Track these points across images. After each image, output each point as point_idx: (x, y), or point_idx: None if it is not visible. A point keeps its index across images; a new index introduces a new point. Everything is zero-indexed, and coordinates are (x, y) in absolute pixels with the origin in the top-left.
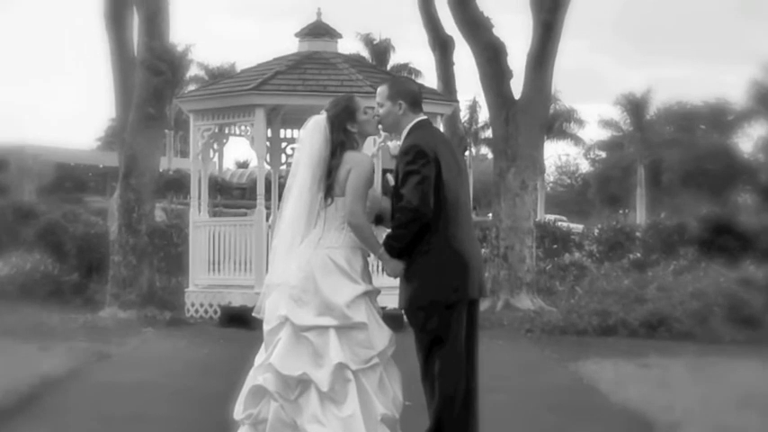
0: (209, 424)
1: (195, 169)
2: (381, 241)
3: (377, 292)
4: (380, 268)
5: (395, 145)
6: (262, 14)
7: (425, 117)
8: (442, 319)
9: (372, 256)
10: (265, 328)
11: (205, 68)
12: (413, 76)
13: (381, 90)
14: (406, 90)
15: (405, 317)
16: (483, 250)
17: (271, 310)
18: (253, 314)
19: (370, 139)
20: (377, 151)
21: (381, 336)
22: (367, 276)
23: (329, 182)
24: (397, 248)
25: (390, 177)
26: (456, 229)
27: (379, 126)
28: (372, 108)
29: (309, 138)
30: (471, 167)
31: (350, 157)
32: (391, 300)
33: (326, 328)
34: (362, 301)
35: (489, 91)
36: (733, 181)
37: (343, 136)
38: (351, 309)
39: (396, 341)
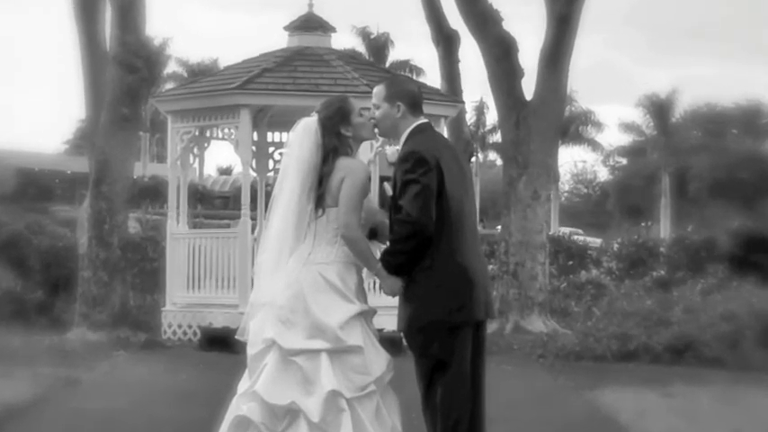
0: None
1: (173, 176)
2: (378, 257)
3: (373, 312)
4: (377, 286)
5: (393, 151)
6: (247, 6)
7: (426, 120)
8: (445, 343)
9: (368, 273)
10: (250, 352)
11: (185, 65)
12: (413, 75)
13: (378, 90)
14: (405, 90)
15: (404, 340)
16: (490, 267)
17: (256, 333)
18: (236, 336)
19: (366, 145)
20: (373, 157)
21: (378, 360)
22: (362, 295)
23: (320, 191)
24: (395, 265)
25: (388, 186)
26: (460, 243)
27: (376, 130)
28: (369, 109)
29: (299, 142)
30: (478, 175)
31: (343, 164)
32: (389, 321)
33: (318, 351)
34: (357, 322)
35: (498, 91)
36: None
37: (335, 140)
38: (344, 330)
39: (394, 366)
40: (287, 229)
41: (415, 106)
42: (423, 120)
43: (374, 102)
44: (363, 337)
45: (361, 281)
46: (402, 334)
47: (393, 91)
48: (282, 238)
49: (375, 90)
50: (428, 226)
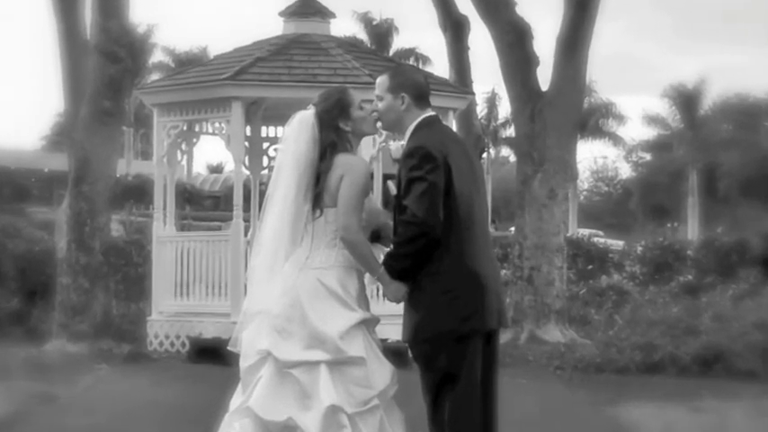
0: None
1: (159, 174)
2: (380, 260)
3: (376, 320)
4: (380, 293)
5: (397, 146)
6: None
7: (434, 113)
8: (453, 355)
9: (370, 278)
10: (243, 364)
11: (171, 54)
12: (419, 64)
13: (381, 80)
14: (410, 80)
15: (409, 351)
16: (503, 271)
17: (249, 343)
18: (228, 347)
19: (368, 140)
20: (376, 153)
21: (382, 373)
22: (364, 302)
23: (317, 190)
24: (399, 269)
25: (392, 185)
26: (469, 246)
27: (379, 124)
28: (371, 101)
29: (295, 137)
30: (489, 173)
31: (342, 161)
32: (393, 330)
33: (316, 363)
34: (359, 331)
35: (511, 81)
36: None
37: (333, 135)
38: (345, 341)
39: (399, 379)
40: (282, 231)
41: (421, 98)
42: (430, 113)
43: (377, 93)
44: (366, 347)
45: (362, 287)
46: (407, 344)
47: (397, 81)
48: (278, 241)
49: (378, 80)
50: (435, 227)
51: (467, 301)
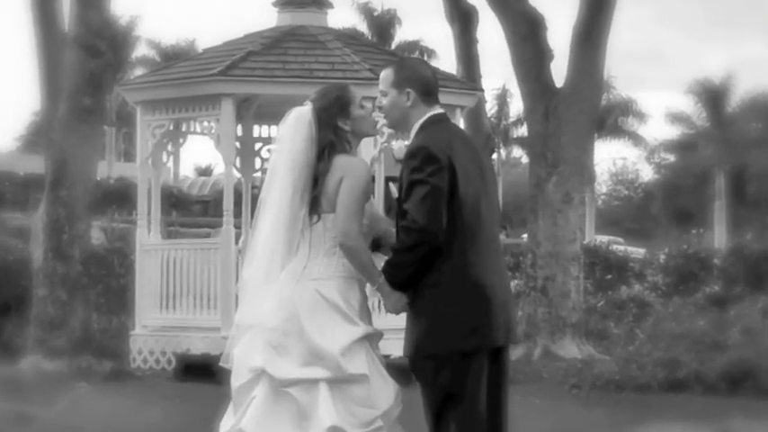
0: None
1: (143, 177)
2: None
3: (379, 335)
4: (382, 305)
5: (400, 146)
6: None
7: (442, 111)
8: (456, 373)
9: (370, 289)
10: (234, 383)
11: (156, 47)
12: (424, 58)
13: (385, 75)
14: (417, 75)
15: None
16: (515, 282)
17: (241, 360)
18: (220, 364)
19: (369, 140)
20: (378, 155)
21: (386, 391)
22: (366, 315)
23: (315, 193)
24: (399, 279)
25: (394, 188)
26: (474, 254)
27: (382, 122)
28: (374, 98)
29: (291, 135)
30: (500, 175)
31: (341, 163)
32: (397, 345)
33: (315, 381)
34: (362, 347)
35: (524, 76)
36: None
37: (332, 135)
38: (347, 357)
39: (403, 399)
40: (277, 238)
41: (428, 94)
42: (438, 110)
43: (381, 88)
44: (369, 364)
45: (365, 299)
46: (408, 360)
47: (402, 75)
48: (272, 249)
49: (382, 75)
50: (437, 234)
51: (471, 314)
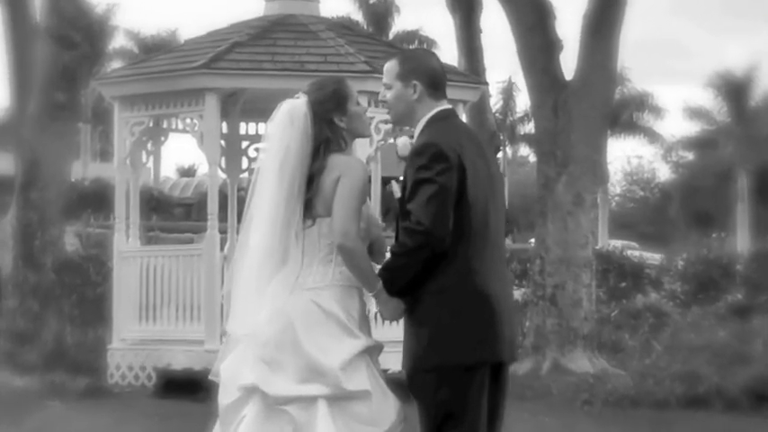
0: None
1: (121, 178)
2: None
3: (379, 348)
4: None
5: (405, 143)
6: None
7: (449, 106)
8: (458, 389)
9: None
10: (222, 400)
11: (135, 38)
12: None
13: (390, 66)
14: (424, 66)
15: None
16: (522, 290)
17: (230, 376)
18: (209, 377)
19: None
20: (374, 153)
21: (388, 408)
22: (366, 326)
23: (309, 195)
24: (397, 284)
25: (397, 187)
26: (480, 261)
27: (387, 117)
28: (370, 94)
29: (281, 131)
30: (506, 175)
31: (338, 162)
32: (396, 359)
33: (314, 399)
34: (362, 361)
35: (531, 69)
36: None
37: (328, 131)
38: (348, 372)
39: (405, 416)
40: (271, 243)
41: (435, 87)
42: (446, 105)
43: (385, 80)
44: (370, 379)
45: (364, 309)
46: (405, 374)
47: (408, 67)
48: (265, 256)
49: (387, 66)
50: (442, 239)
51: (475, 325)
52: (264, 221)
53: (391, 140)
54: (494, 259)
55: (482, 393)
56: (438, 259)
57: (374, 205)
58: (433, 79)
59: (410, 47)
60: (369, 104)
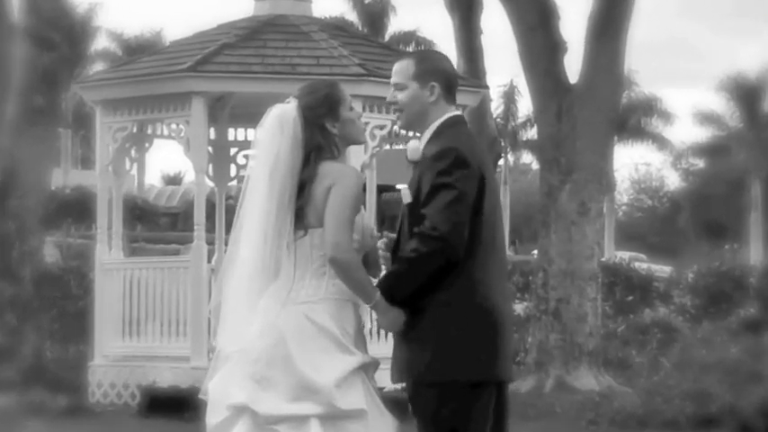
0: None
1: (104, 186)
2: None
3: (375, 365)
4: (377, 331)
5: (416, 146)
6: None
7: (460, 112)
8: (464, 405)
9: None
10: (210, 420)
11: (118, 39)
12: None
13: (404, 66)
14: (441, 68)
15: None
16: (524, 304)
17: (218, 395)
18: (199, 396)
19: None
20: (369, 161)
21: (384, 428)
22: (362, 342)
23: (300, 203)
24: (403, 293)
25: (408, 192)
26: (488, 276)
27: (397, 121)
28: (364, 98)
29: (270, 138)
30: (507, 183)
31: (329, 169)
32: (389, 375)
33: (306, 418)
34: (358, 378)
35: (533, 72)
36: None
37: (319, 137)
38: (342, 390)
39: None
40: (260, 255)
41: (450, 90)
42: (456, 111)
43: (397, 80)
44: (366, 397)
45: (360, 323)
46: (404, 388)
47: (425, 67)
48: (254, 268)
49: (399, 66)
50: (457, 247)
51: (482, 341)
52: (254, 232)
53: (387, 147)
54: (498, 273)
55: (487, 412)
56: (449, 269)
57: (369, 215)
58: (450, 82)
59: (407, 48)
60: (363, 109)
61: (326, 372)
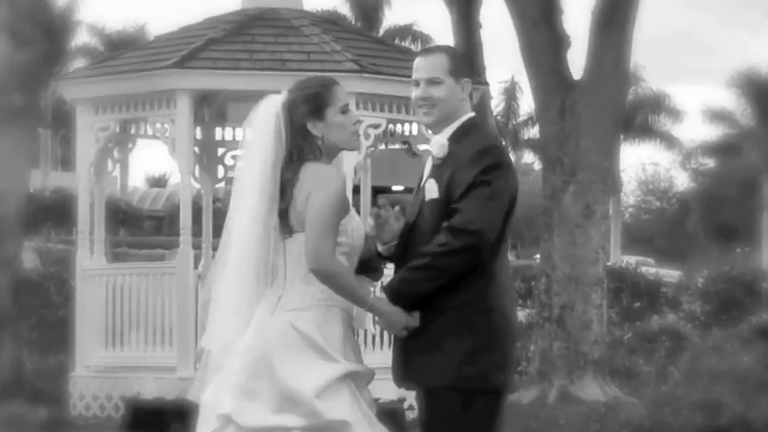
0: None
1: (85, 189)
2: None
3: (369, 375)
4: (373, 340)
5: (441, 143)
6: None
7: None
8: (487, 413)
9: (358, 315)
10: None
11: (100, 34)
12: (417, 46)
13: (438, 60)
14: (470, 65)
15: (415, 403)
16: (527, 311)
17: (210, 406)
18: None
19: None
20: (364, 161)
21: None
22: (353, 350)
23: (283, 205)
24: (422, 291)
25: (435, 186)
26: (507, 277)
27: (366, 125)
28: (358, 95)
29: (259, 132)
30: None
31: (309, 173)
32: (389, 386)
33: (288, 430)
34: (344, 388)
35: (535, 68)
36: None
37: (300, 139)
38: (324, 400)
39: None
40: (249, 260)
41: (473, 90)
42: (472, 112)
43: (432, 75)
44: (352, 408)
45: (349, 331)
46: (401, 399)
47: (459, 63)
48: (242, 273)
49: (431, 60)
50: (488, 246)
51: (505, 348)
52: (242, 235)
53: (382, 146)
54: (507, 279)
55: (502, 421)
56: (471, 271)
57: (364, 220)
58: (474, 80)
59: (403, 43)
60: (357, 107)
61: (308, 382)
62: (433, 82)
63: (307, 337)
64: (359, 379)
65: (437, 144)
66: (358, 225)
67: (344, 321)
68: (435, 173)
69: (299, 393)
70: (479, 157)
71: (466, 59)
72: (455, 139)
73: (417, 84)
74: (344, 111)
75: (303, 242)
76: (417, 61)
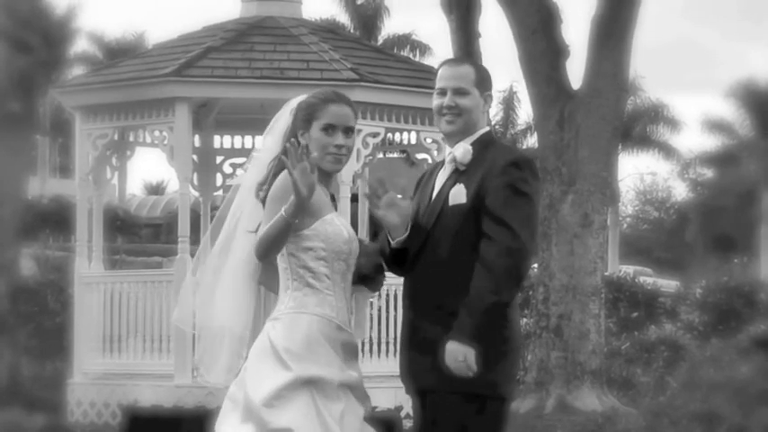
0: None
1: (83, 196)
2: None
3: (334, 385)
4: (370, 349)
5: (467, 149)
6: None
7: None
8: (498, 419)
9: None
10: None
11: (99, 42)
12: (416, 54)
13: (466, 71)
14: (491, 81)
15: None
16: (524, 321)
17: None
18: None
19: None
20: (361, 170)
21: None
22: (325, 357)
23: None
24: (486, 321)
25: (463, 190)
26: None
27: (364, 134)
28: (358, 104)
29: (275, 128)
30: None
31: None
32: (383, 394)
33: None
34: (300, 395)
35: (534, 77)
36: None
37: (288, 144)
38: (273, 409)
39: None
40: (247, 264)
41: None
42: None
43: (460, 86)
44: (305, 416)
45: (325, 338)
46: (436, 397)
47: (484, 75)
48: (245, 256)
49: (459, 71)
50: (528, 264)
51: (514, 356)
52: (245, 232)
53: (380, 155)
54: None
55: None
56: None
57: (362, 228)
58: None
59: (401, 52)
60: (355, 116)
61: (262, 390)
62: (460, 92)
63: (272, 345)
64: (321, 387)
65: (462, 149)
66: (336, 230)
67: (316, 328)
68: (461, 179)
69: (251, 402)
70: (513, 168)
71: (489, 74)
72: (477, 148)
73: (443, 92)
74: (326, 129)
75: (282, 253)
76: (444, 70)
